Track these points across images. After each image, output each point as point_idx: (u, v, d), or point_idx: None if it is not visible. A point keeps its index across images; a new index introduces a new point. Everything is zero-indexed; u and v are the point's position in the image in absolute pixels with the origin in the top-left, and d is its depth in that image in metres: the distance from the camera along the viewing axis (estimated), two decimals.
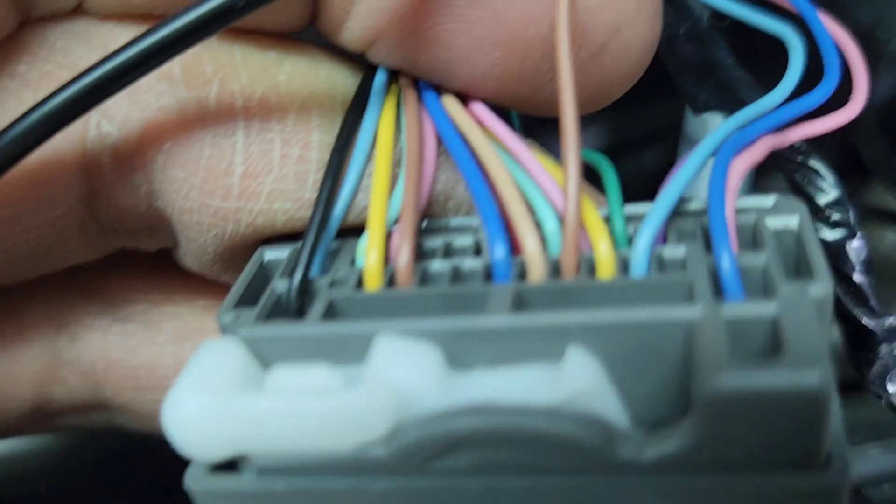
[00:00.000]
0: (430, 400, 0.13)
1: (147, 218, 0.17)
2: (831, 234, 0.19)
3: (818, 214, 0.19)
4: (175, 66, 0.16)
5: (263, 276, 0.16)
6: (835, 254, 0.19)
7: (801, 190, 0.19)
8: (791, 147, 0.18)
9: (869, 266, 0.19)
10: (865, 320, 0.19)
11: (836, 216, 0.19)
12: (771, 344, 0.13)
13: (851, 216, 0.19)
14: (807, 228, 0.15)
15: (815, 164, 0.19)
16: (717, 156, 0.15)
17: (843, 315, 0.19)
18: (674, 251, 0.15)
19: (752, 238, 0.15)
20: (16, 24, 0.16)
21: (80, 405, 0.20)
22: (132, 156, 0.16)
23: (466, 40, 0.16)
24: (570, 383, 0.13)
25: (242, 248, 0.17)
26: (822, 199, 0.19)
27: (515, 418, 0.13)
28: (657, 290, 0.14)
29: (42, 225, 0.16)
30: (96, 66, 0.14)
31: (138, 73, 0.14)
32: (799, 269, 0.15)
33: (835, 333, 0.20)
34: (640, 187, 0.42)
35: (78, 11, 0.16)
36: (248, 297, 0.16)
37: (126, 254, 0.19)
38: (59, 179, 0.16)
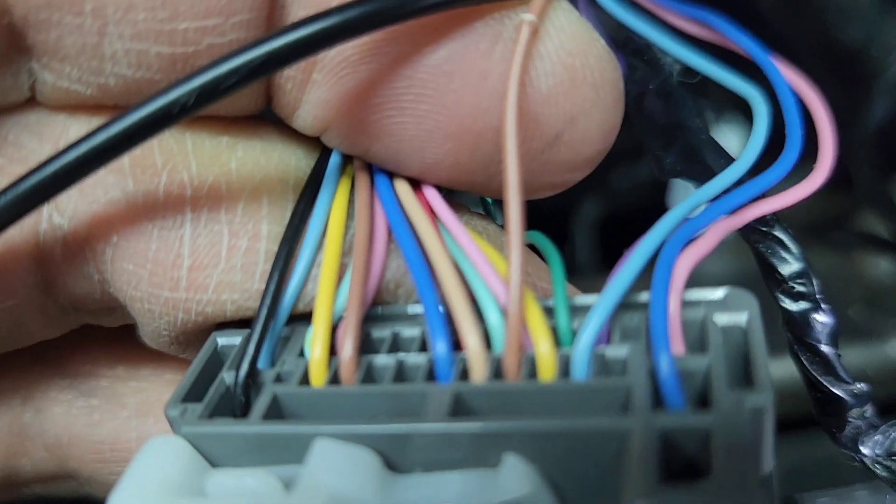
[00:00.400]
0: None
1: (103, 301, 0.17)
2: (795, 306, 0.18)
3: (782, 285, 0.18)
4: (125, 157, 0.16)
5: (217, 361, 0.16)
6: (800, 325, 0.18)
7: (765, 261, 0.18)
8: (761, 223, 0.18)
9: (834, 337, 0.19)
10: (833, 388, 0.19)
11: (800, 288, 0.18)
12: (705, 454, 0.13)
13: (816, 287, 0.18)
14: (754, 328, 0.15)
15: (780, 234, 0.18)
16: (663, 251, 0.15)
17: (810, 382, 0.19)
18: (616, 351, 0.15)
19: (700, 333, 0.15)
20: None
21: (47, 476, 0.20)
22: (82, 248, 0.16)
23: (416, 132, 0.15)
24: (506, 490, 0.13)
25: (196, 332, 0.17)
26: (786, 270, 0.18)
27: None
28: (596, 396, 0.14)
29: (4, 311, 0.17)
30: (45, 163, 0.15)
31: (88, 170, 0.15)
32: (747, 367, 0.15)
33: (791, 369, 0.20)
34: (637, 197, 0.41)
35: (30, 103, 0.16)
36: (198, 388, 0.16)
37: (90, 329, 0.19)
38: (14, 271, 0.16)
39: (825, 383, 0.19)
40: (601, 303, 0.15)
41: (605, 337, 0.15)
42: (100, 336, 0.20)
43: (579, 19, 0.16)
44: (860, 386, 0.19)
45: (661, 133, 0.21)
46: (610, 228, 0.37)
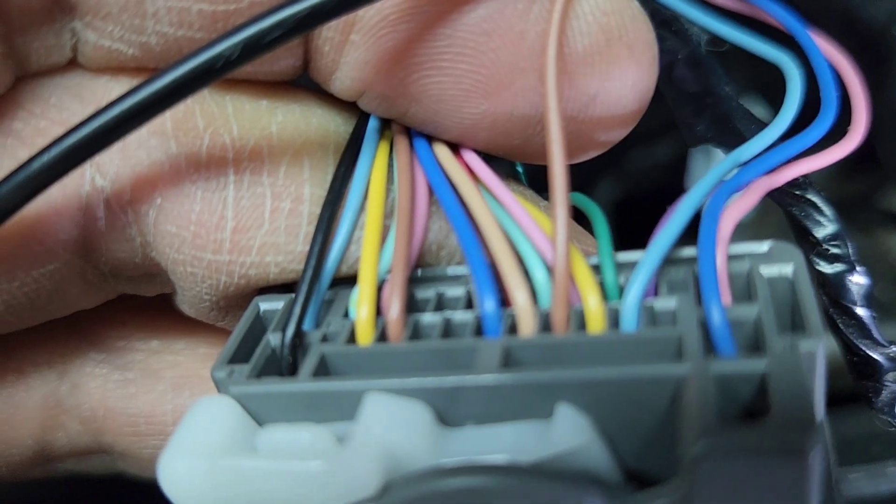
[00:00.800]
0: (420, 459, 0.14)
1: (144, 267, 0.17)
2: (830, 268, 0.18)
3: (816, 248, 0.18)
4: (167, 120, 0.16)
5: (259, 327, 0.16)
6: (835, 287, 0.18)
7: (799, 224, 0.19)
8: (795, 187, 0.18)
9: (870, 299, 0.19)
10: (869, 351, 0.19)
11: (834, 250, 0.18)
12: (761, 400, 0.13)
13: (850, 250, 0.19)
14: (801, 277, 0.15)
15: (813, 197, 0.18)
16: (708, 205, 0.15)
17: (846, 346, 0.19)
18: (664, 303, 0.15)
19: (746, 286, 0.15)
20: (12, 81, 0.16)
21: (81, 450, 0.20)
22: (125, 210, 0.16)
23: (454, 93, 0.16)
24: (559, 441, 0.13)
25: (238, 297, 0.17)
26: (821, 233, 0.18)
27: (502, 477, 0.13)
28: (647, 346, 0.14)
29: (41, 278, 0.17)
30: (86, 121, 0.15)
31: (127, 129, 0.15)
32: (794, 316, 0.15)
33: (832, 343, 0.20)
34: (654, 179, 0.41)
35: (71, 66, 0.16)
36: (243, 351, 0.16)
37: (126, 302, 0.19)
38: (56, 234, 0.16)
39: (861, 346, 0.19)
40: (648, 257, 0.15)
41: (653, 290, 0.15)
42: (134, 309, 0.20)
43: None
44: (895, 349, 0.19)
45: (691, 101, 0.21)
46: (626, 210, 0.37)
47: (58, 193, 0.16)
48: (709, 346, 0.14)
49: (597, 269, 0.15)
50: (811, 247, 0.19)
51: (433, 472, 0.13)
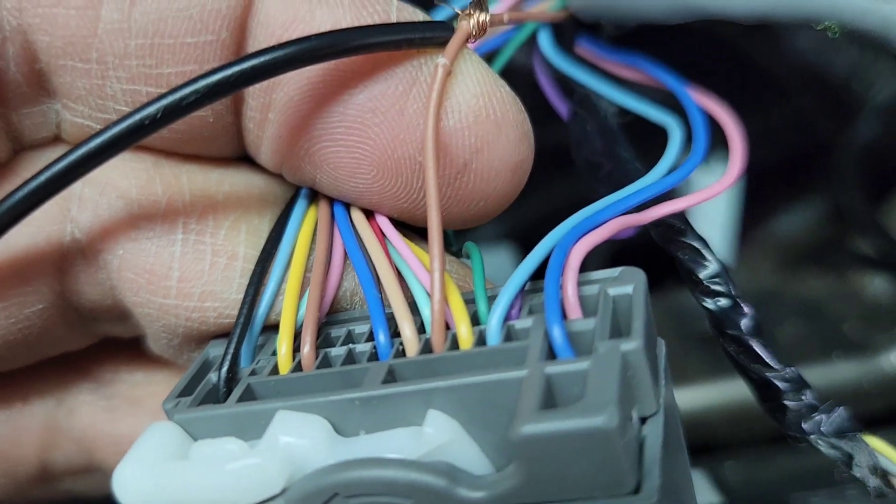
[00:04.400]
0: (318, 462, 0.16)
1: (115, 308, 0.21)
2: (713, 304, 0.20)
3: (699, 286, 0.20)
4: (132, 187, 0.20)
5: (208, 367, 0.20)
6: (720, 320, 0.20)
7: (685, 266, 0.21)
8: (670, 227, 0.21)
9: (757, 329, 0.20)
10: (765, 374, 0.21)
11: (716, 287, 0.20)
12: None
13: (732, 287, 0.21)
14: (638, 294, 0.17)
15: (692, 241, 0.21)
16: (560, 242, 0.18)
17: (743, 373, 0.21)
18: (522, 323, 0.17)
19: (595, 304, 0.18)
20: (11, 153, 0.20)
21: (77, 468, 0.24)
22: (96, 258, 0.20)
23: (347, 161, 0.19)
24: (432, 440, 0.16)
25: (188, 338, 0.20)
26: (703, 273, 0.20)
27: (379, 469, 0.16)
28: (503, 356, 0.17)
29: (32, 316, 0.20)
30: (47, 167, 0.18)
31: (78, 174, 0.18)
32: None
33: None
34: None
35: (56, 140, 0.20)
36: (191, 387, 0.19)
37: (113, 344, 0.23)
38: (41, 277, 0.20)
39: (754, 371, 0.21)
40: (506, 288, 0.18)
41: (517, 314, 0.18)
42: (121, 349, 0.24)
43: (486, 67, 0.19)
44: (790, 370, 0.20)
45: (595, 167, 0.24)
46: None
47: (41, 242, 0.20)
48: (552, 354, 0.16)
49: (471, 302, 0.18)
50: (696, 286, 0.21)
51: (325, 470, 0.16)
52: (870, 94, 0.35)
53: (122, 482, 0.17)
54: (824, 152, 0.35)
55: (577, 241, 0.18)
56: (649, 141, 0.22)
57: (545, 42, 0.25)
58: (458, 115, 0.19)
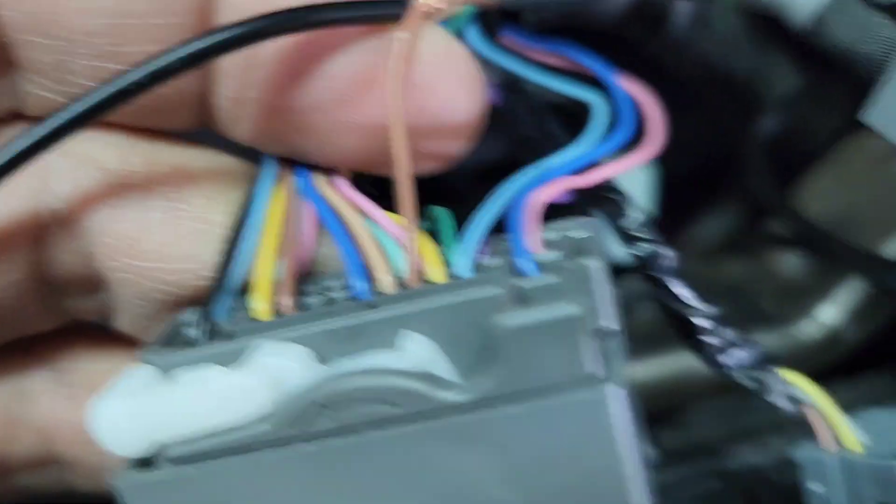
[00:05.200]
0: (305, 381, 0.17)
1: (89, 279, 0.21)
2: (640, 250, 0.22)
3: (630, 238, 0.22)
4: (111, 158, 0.21)
5: (183, 326, 0.20)
6: (648, 266, 0.22)
7: (614, 221, 0.23)
8: (602, 190, 0.23)
9: (676, 270, 0.22)
10: (684, 313, 0.22)
11: (641, 235, 0.22)
12: None
13: (654, 235, 0.22)
14: (598, 235, 0.19)
15: (619, 199, 0.23)
16: (519, 190, 0.20)
17: (667, 312, 0.22)
18: (491, 261, 0.19)
19: (559, 245, 0.19)
20: None
21: (37, 461, 0.23)
22: (73, 226, 0.21)
23: (325, 126, 0.20)
24: (410, 358, 0.17)
25: (165, 306, 0.21)
26: (628, 224, 0.22)
27: (369, 377, 0.17)
28: (477, 284, 0.18)
29: (8, 287, 0.21)
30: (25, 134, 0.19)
31: (53, 141, 0.19)
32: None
33: None
34: None
35: (17, 117, 0.21)
36: (166, 341, 0.19)
37: (78, 330, 0.23)
38: (17, 246, 0.20)
39: (676, 309, 0.23)
40: (473, 227, 0.19)
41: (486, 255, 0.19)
42: (83, 337, 0.24)
43: (444, 33, 0.21)
44: (709, 308, 0.22)
45: (529, 145, 0.26)
46: None
47: (18, 212, 0.20)
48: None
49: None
50: (626, 238, 0.23)
51: (312, 386, 0.17)
52: (768, 89, 0.38)
53: (99, 413, 0.17)
54: (734, 149, 0.38)
55: (530, 193, 0.20)
56: (579, 125, 0.24)
57: (472, 34, 0.27)
58: (421, 67, 0.20)
